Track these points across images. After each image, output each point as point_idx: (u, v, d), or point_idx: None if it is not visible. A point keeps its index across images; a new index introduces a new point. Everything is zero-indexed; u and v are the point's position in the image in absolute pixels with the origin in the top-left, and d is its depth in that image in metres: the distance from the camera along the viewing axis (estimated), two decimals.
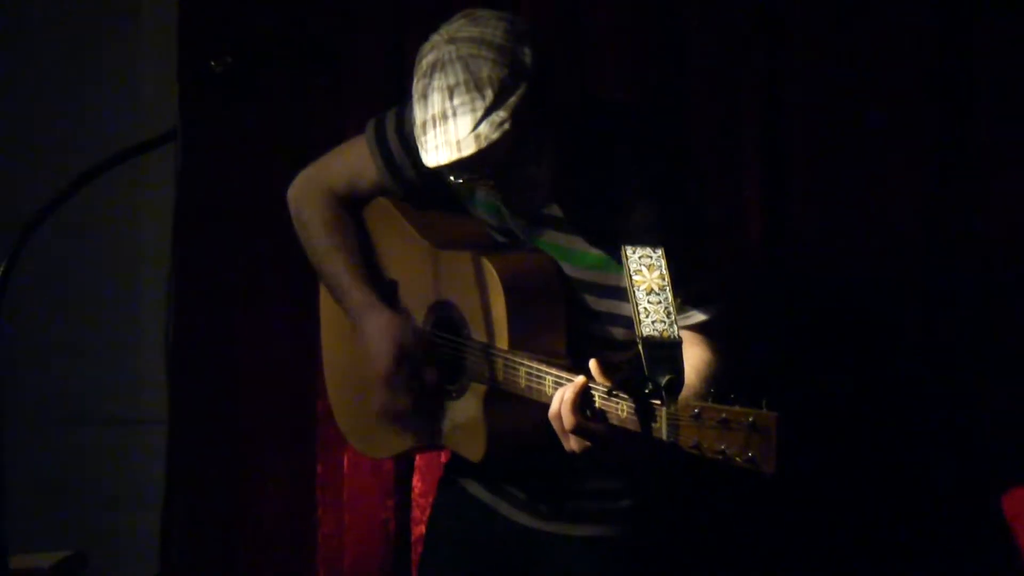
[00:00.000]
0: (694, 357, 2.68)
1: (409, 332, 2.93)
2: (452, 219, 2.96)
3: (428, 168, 2.82)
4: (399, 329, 2.93)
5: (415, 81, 2.66)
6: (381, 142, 2.95)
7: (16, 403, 4.12)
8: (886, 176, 3.49)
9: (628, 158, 2.79)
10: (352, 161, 3.02)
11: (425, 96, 2.63)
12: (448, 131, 2.61)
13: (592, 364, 2.58)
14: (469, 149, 2.59)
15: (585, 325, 2.81)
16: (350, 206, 3.05)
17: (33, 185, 4.22)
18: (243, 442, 3.99)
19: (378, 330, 2.93)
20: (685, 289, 2.72)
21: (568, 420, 2.56)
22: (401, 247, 3.00)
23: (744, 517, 3.52)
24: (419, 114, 2.65)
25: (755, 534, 3.55)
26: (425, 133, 2.64)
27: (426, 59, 2.64)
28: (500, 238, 2.89)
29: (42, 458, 4.44)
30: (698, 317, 2.74)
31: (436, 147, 2.63)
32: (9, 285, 2.73)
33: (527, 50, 2.63)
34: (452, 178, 2.71)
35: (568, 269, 2.82)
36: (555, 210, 2.81)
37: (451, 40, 2.62)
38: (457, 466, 3.03)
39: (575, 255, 2.82)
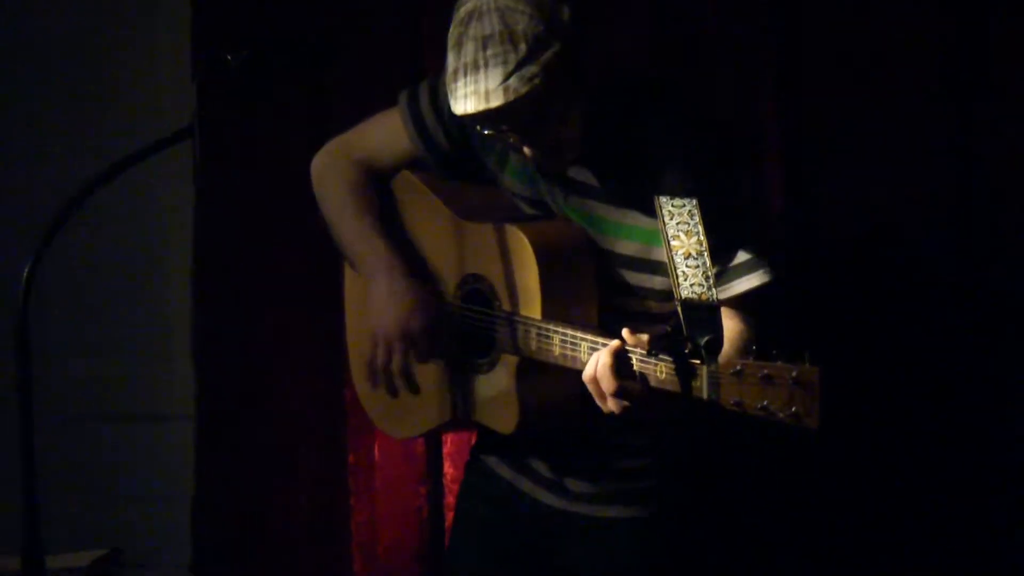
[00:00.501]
0: (730, 329, 2.67)
1: (430, 303, 2.92)
2: (480, 191, 2.98)
3: (457, 127, 2.90)
4: (419, 299, 2.91)
5: (452, 28, 2.67)
6: (415, 111, 2.95)
7: (45, 402, 3.80)
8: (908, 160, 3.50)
9: (660, 124, 2.80)
10: (383, 131, 3.02)
11: (459, 44, 2.65)
12: (478, 81, 2.63)
13: (625, 331, 2.58)
14: (497, 100, 2.60)
15: (617, 299, 2.82)
16: (376, 178, 3.05)
17: (53, 185, 4.24)
18: (272, 434, 3.98)
19: (391, 294, 2.92)
20: (729, 252, 2.74)
21: (608, 382, 2.56)
22: (428, 220, 3.00)
23: (768, 498, 3.55)
24: (451, 61, 2.67)
25: (779, 514, 3.58)
26: (456, 80, 2.65)
27: (464, 7, 2.66)
28: (529, 210, 2.90)
29: (73, 456, 4.43)
30: (746, 283, 2.75)
31: (465, 96, 2.64)
32: (35, 284, 2.75)
33: (566, 8, 2.65)
34: (479, 128, 2.73)
35: (602, 240, 2.83)
36: (589, 177, 2.82)
37: None
38: (484, 446, 3.04)
39: (608, 224, 2.82)
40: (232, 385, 4.01)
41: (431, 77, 2.95)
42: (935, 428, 3.52)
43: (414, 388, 2.94)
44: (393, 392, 2.95)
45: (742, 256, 2.74)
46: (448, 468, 3.76)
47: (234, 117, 3.86)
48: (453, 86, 2.66)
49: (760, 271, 2.74)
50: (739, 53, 3.61)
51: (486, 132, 2.73)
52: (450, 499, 3.76)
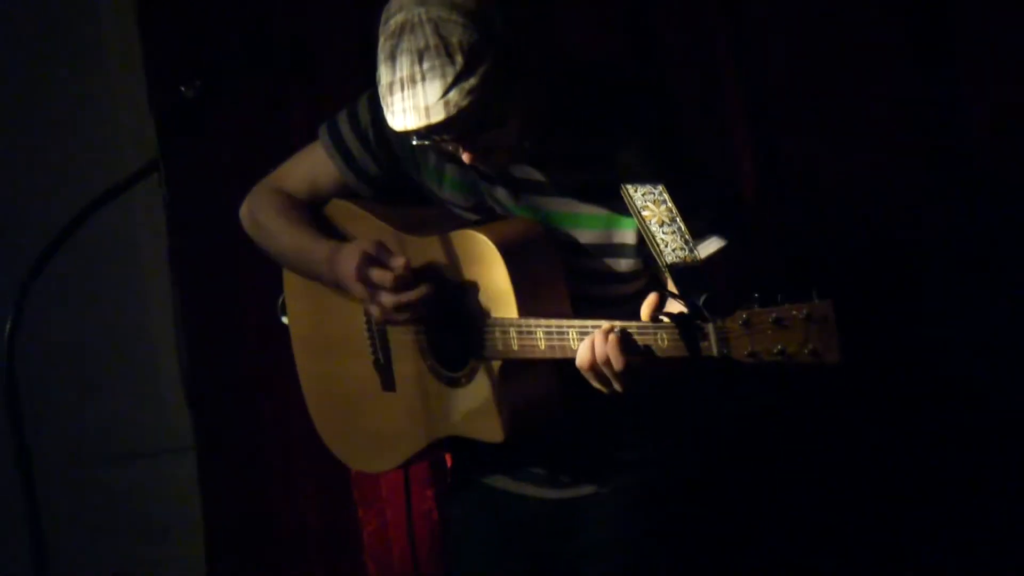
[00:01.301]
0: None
1: (383, 244, 2.87)
2: (418, 207, 2.94)
3: (384, 150, 2.88)
4: (371, 241, 2.85)
5: (381, 40, 2.64)
6: (338, 142, 2.94)
7: (45, 447, 3.90)
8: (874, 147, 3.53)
9: (612, 108, 2.78)
10: (308, 165, 3.01)
11: (393, 57, 2.61)
12: (416, 96, 2.60)
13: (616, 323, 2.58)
14: (438, 116, 2.57)
15: (583, 286, 2.81)
16: (305, 207, 3.02)
17: (24, 232, 4.22)
18: (272, 457, 4.00)
19: (357, 251, 2.85)
20: (696, 217, 2.71)
21: (617, 361, 2.54)
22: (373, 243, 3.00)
23: (759, 463, 3.58)
24: (385, 75, 2.63)
25: (769, 480, 3.60)
26: (392, 95, 2.62)
27: (394, 19, 2.62)
28: (473, 217, 2.88)
29: (78, 498, 4.45)
30: (717, 243, 2.74)
31: (404, 111, 2.61)
32: (18, 334, 2.83)
33: (499, 14, 2.61)
34: (417, 141, 2.69)
35: (561, 233, 2.82)
36: (535, 174, 2.81)
37: (421, 2, 2.61)
38: (466, 465, 3.02)
39: (565, 217, 2.81)
40: (226, 412, 4.02)
41: (348, 106, 2.94)
42: (922, 410, 3.52)
43: (421, 316, 2.87)
44: (420, 320, 2.88)
45: (703, 220, 2.73)
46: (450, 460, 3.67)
47: (197, 146, 3.85)
48: (389, 100, 2.63)
49: (717, 235, 2.74)
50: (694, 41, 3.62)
51: (418, 142, 2.71)
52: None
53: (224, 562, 4.06)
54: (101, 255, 4.32)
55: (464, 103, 2.56)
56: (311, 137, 3.34)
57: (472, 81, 2.56)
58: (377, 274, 2.83)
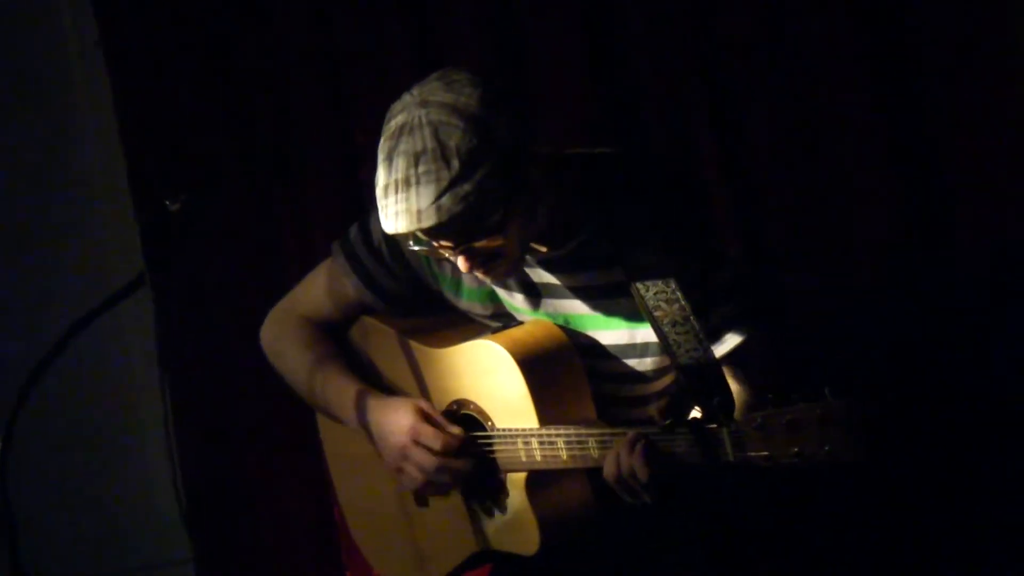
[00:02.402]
0: (735, 389, 2.67)
1: (423, 401, 2.87)
2: (439, 319, 2.93)
3: (401, 264, 2.87)
4: (411, 404, 2.86)
5: (382, 140, 2.62)
6: (352, 259, 2.92)
7: (41, 566, 3.89)
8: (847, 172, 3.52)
9: (621, 202, 2.77)
10: (324, 285, 2.99)
11: (390, 159, 2.59)
12: (409, 199, 2.57)
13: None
14: (429, 221, 2.54)
15: (607, 387, 2.80)
16: (328, 330, 3.01)
17: (13, 350, 4.26)
18: (269, 568, 4.02)
19: (391, 412, 2.87)
20: (716, 311, 2.72)
21: (643, 472, 2.54)
22: (397, 359, 2.96)
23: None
24: (382, 176, 2.60)
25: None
26: (386, 196, 2.60)
27: (395, 120, 2.61)
28: (494, 324, 2.86)
29: None
30: (737, 338, 2.72)
31: (396, 213, 2.58)
32: (10, 453, 2.82)
33: (502, 120, 2.59)
34: (413, 246, 2.67)
35: (583, 336, 2.81)
36: (552, 278, 2.80)
37: (423, 103, 2.59)
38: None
39: (584, 320, 2.81)
40: (222, 529, 4.03)
41: (359, 221, 2.92)
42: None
43: (447, 488, 2.88)
44: (442, 492, 2.88)
45: (722, 312, 2.72)
46: None
47: (184, 256, 3.76)
48: (384, 202, 2.59)
49: (743, 326, 2.73)
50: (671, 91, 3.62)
51: (417, 248, 2.67)
52: None
53: None
54: (91, 370, 4.30)
55: (457, 209, 2.53)
56: (297, 240, 3.56)
57: (466, 187, 2.54)
58: (429, 436, 2.82)
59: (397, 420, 2.85)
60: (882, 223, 3.50)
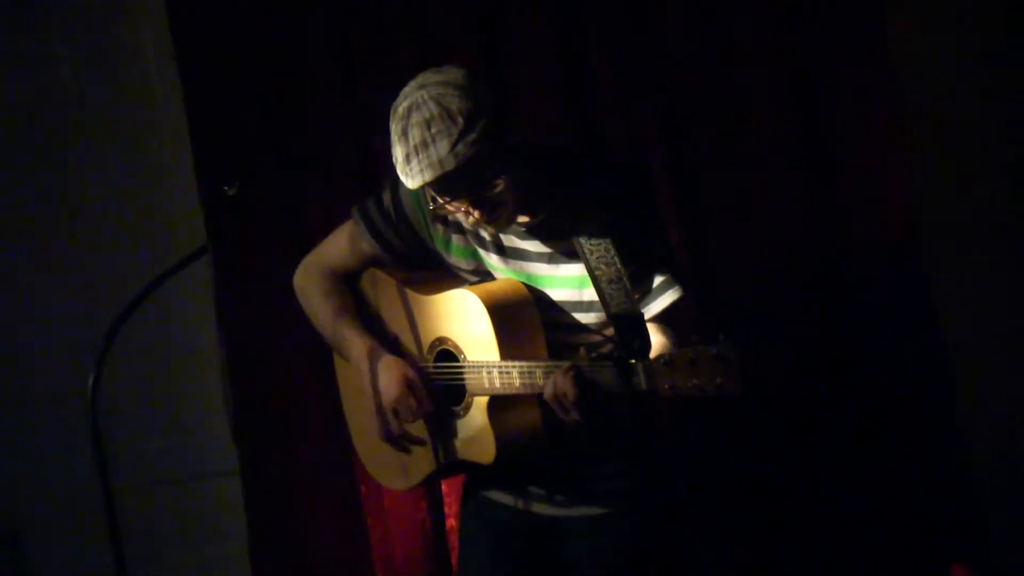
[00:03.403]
0: (658, 342, 2.73)
1: (409, 368, 2.94)
2: (431, 272, 3.00)
3: (404, 226, 2.93)
4: (401, 366, 2.94)
5: (393, 125, 2.71)
6: (368, 221, 2.99)
7: (121, 472, 4.21)
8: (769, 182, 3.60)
9: (581, 185, 2.82)
10: (344, 242, 3.05)
11: (405, 133, 2.68)
12: (430, 154, 2.65)
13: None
14: (451, 165, 2.64)
15: (559, 335, 2.85)
16: (345, 279, 3.07)
17: (102, 304, 4.31)
18: (302, 480, 4.03)
19: (384, 370, 2.95)
20: (650, 278, 2.80)
21: (570, 393, 2.61)
22: (396, 302, 3.03)
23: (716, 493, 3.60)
24: (400, 149, 2.69)
25: (725, 506, 3.62)
26: (409, 162, 2.68)
27: (401, 106, 2.70)
28: (473, 278, 2.93)
29: (140, 514, 4.50)
30: (666, 300, 2.80)
31: (421, 170, 2.66)
32: (99, 385, 3.00)
33: (485, 89, 2.69)
34: (431, 204, 2.75)
35: (541, 292, 2.86)
36: (522, 244, 2.86)
37: (421, 87, 2.69)
38: (476, 482, 3.05)
39: (544, 279, 2.86)
40: (265, 445, 4.04)
41: (374, 194, 3.01)
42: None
43: (422, 441, 2.96)
44: (406, 449, 2.98)
45: (658, 280, 2.81)
46: (443, 485, 3.79)
47: (238, 231, 3.91)
48: (407, 168, 2.69)
49: (673, 289, 2.81)
50: (630, 114, 3.68)
51: (433, 207, 2.76)
52: (447, 510, 3.83)
53: (265, 562, 4.03)
54: (162, 319, 4.38)
55: (470, 152, 2.64)
56: (328, 223, 3.37)
57: (473, 136, 2.64)
58: (411, 405, 2.91)
59: (389, 382, 2.93)
60: (791, 217, 3.57)
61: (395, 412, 2.94)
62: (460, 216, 2.80)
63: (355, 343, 2.99)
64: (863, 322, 3.51)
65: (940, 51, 3.47)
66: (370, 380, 2.97)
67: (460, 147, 2.64)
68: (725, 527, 3.58)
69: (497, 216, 2.76)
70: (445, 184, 2.69)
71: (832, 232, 3.56)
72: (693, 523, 3.47)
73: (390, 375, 2.93)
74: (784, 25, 3.52)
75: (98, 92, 4.63)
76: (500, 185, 2.71)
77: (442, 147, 2.64)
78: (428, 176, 2.66)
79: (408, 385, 2.92)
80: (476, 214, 2.74)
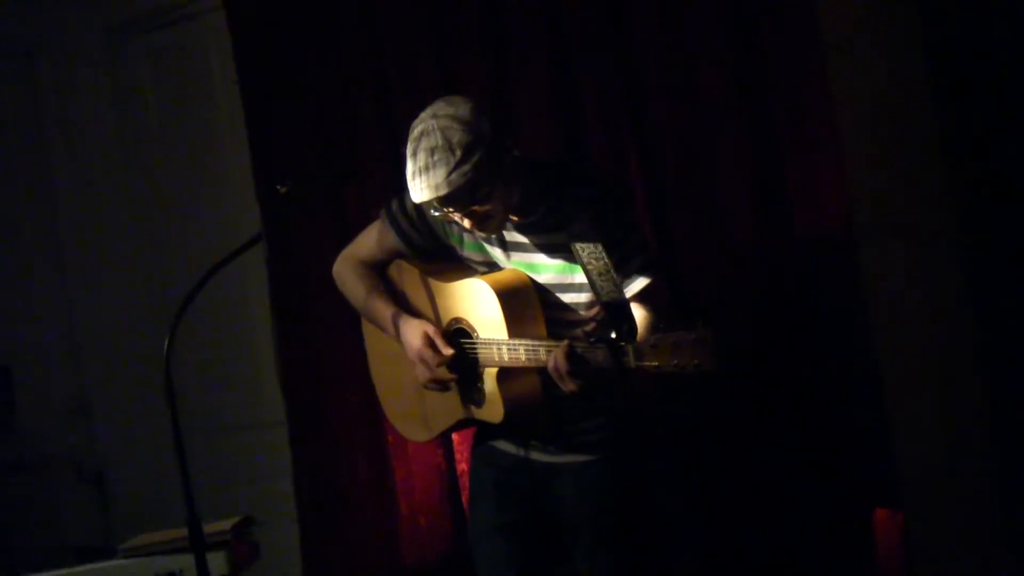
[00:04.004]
0: (641, 318, 2.75)
1: (427, 324, 2.97)
2: (447, 264, 3.03)
3: (424, 225, 2.95)
4: (421, 324, 2.97)
5: (408, 144, 2.76)
6: (393, 221, 3.03)
7: (190, 418, 4.32)
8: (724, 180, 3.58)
9: (568, 192, 2.85)
10: (373, 238, 3.10)
11: (414, 154, 2.74)
12: (429, 177, 2.71)
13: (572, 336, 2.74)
14: (444, 190, 2.71)
15: (555, 313, 2.89)
16: (375, 268, 3.10)
17: (174, 281, 4.63)
18: (338, 429, 4.08)
19: (407, 328, 2.99)
20: (628, 264, 2.81)
21: (564, 367, 2.66)
22: (419, 288, 3.05)
23: (676, 449, 3.61)
24: (410, 166, 2.75)
25: (695, 453, 3.61)
26: (413, 180, 2.74)
27: (417, 128, 2.75)
28: (482, 269, 2.96)
29: (206, 456, 4.63)
30: (642, 282, 2.82)
31: (421, 189, 2.73)
32: (173, 347, 3.06)
33: (487, 125, 2.73)
34: (433, 212, 2.80)
35: (538, 277, 2.89)
36: (522, 239, 2.89)
37: (434, 116, 2.74)
38: (485, 433, 3.07)
39: (541, 267, 2.90)
40: (306, 399, 4.11)
41: (397, 196, 3.00)
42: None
43: (451, 383, 2.95)
44: (445, 388, 2.96)
45: (631, 268, 2.83)
46: (455, 436, 3.80)
47: (288, 223, 3.98)
48: (412, 183, 2.75)
49: (644, 276, 2.83)
50: (610, 136, 3.67)
51: (436, 214, 2.82)
52: (458, 455, 3.86)
53: (306, 497, 4.10)
54: (225, 292, 4.39)
55: (461, 181, 2.71)
56: (363, 219, 3.46)
57: (466, 168, 2.70)
58: (430, 355, 2.94)
59: (413, 338, 2.98)
60: (742, 216, 3.58)
61: (421, 360, 2.96)
62: (457, 220, 2.85)
63: (384, 312, 3.05)
64: (802, 307, 3.50)
65: (872, 73, 3.33)
66: (397, 337, 3.01)
67: (454, 176, 2.70)
68: (683, 472, 3.60)
69: (485, 225, 2.84)
70: (441, 201, 2.77)
71: (777, 231, 3.54)
72: (658, 469, 3.43)
73: (413, 331, 2.98)
74: (738, 59, 3.52)
75: (174, 111, 4.78)
76: (488, 205, 2.78)
77: (439, 174, 2.71)
78: (426, 196, 2.75)
79: (426, 337, 2.96)
80: (467, 223, 2.82)
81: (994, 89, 3.20)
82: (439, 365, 2.95)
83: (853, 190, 3.37)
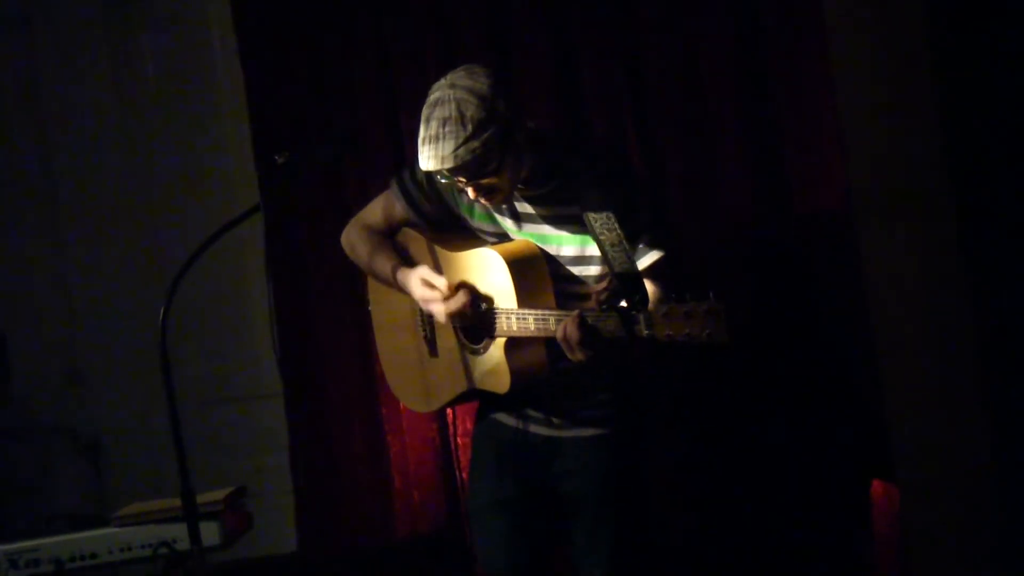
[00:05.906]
0: (651, 291, 2.72)
1: (423, 268, 2.96)
2: (457, 233, 3.02)
3: (434, 193, 2.95)
4: (417, 270, 2.95)
5: (424, 108, 2.75)
6: (403, 188, 3.03)
7: (184, 391, 3.89)
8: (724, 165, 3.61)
9: (581, 164, 2.85)
10: (382, 206, 3.09)
11: (427, 120, 2.74)
12: (437, 148, 2.71)
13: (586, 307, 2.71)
14: (449, 164, 2.71)
15: (565, 286, 2.88)
16: (383, 235, 3.09)
17: (170, 251, 4.60)
18: (333, 402, 4.07)
19: (407, 277, 2.98)
20: (640, 238, 2.80)
21: (575, 336, 2.64)
22: (427, 256, 3.04)
23: (676, 424, 3.64)
24: (422, 132, 2.75)
25: (699, 429, 3.65)
26: (423, 146, 2.74)
27: (434, 95, 2.75)
28: (492, 239, 2.95)
29: (201, 427, 4.59)
30: (654, 255, 2.82)
31: (428, 158, 2.73)
32: (168, 318, 3.04)
33: (502, 101, 2.72)
34: (441, 179, 2.80)
35: (549, 249, 2.88)
36: (533, 210, 2.89)
37: (452, 85, 2.73)
38: (487, 407, 3.07)
39: (552, 238, 2.89)
40: (303, 372, 4.08)
41: (408, 166, 3.01)
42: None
43: (468, 309, 2.89)
44: (468, 319, 2.91)
45: (642, 243, 2.82)
46: (449, 411, 3.64)
47: (286, 194, 3.95)
48: (421, 149, 2.74)
49: (655, 251, 2.82)
50: (609, 109, 3.69)
51: (443, 181, 2.82)
52: (451, 430, 3.77)
53: (301, 470, 4.10)
54: (221, 263, 4.39)
55: (468, 157, 2.71)
56: (362, 190, 3.56)
57: (475, 143, 2.70)
58: (430, 291, 2.94)
59: (414, 287, 2.95)
60: (741, 194, 3.59)
61: (427, 302, 2.95)
62: (463, 188, 2.85)
63: (386, 267, 3.04)
64: (801, 287, 3.52)
65: (875, 54, 3.26)
66: (401, 290, 3.00)
67: (461, 151, 2.70)
68: (684, 447, 3.62)
69: (491, 197, 2.84)
70: (445, 174, 2.78)
71: (777, 212, 3.56)
72: (659, 445, 3.44)
73: (412, 280, 2.97)
74: (739, 41, 3.52)
75: (173, 81, 4.76)
76: (494, 178, 2.78)
77: (447, 147, 2.71)
78: (432, 166, 2.75)
79: (424, 278, 2.94)
80: (471, 192, 2.83)
81: (996, 70, 3.21)
82: (446, 299, 2.93)
83: (852, 171, 3.35)
